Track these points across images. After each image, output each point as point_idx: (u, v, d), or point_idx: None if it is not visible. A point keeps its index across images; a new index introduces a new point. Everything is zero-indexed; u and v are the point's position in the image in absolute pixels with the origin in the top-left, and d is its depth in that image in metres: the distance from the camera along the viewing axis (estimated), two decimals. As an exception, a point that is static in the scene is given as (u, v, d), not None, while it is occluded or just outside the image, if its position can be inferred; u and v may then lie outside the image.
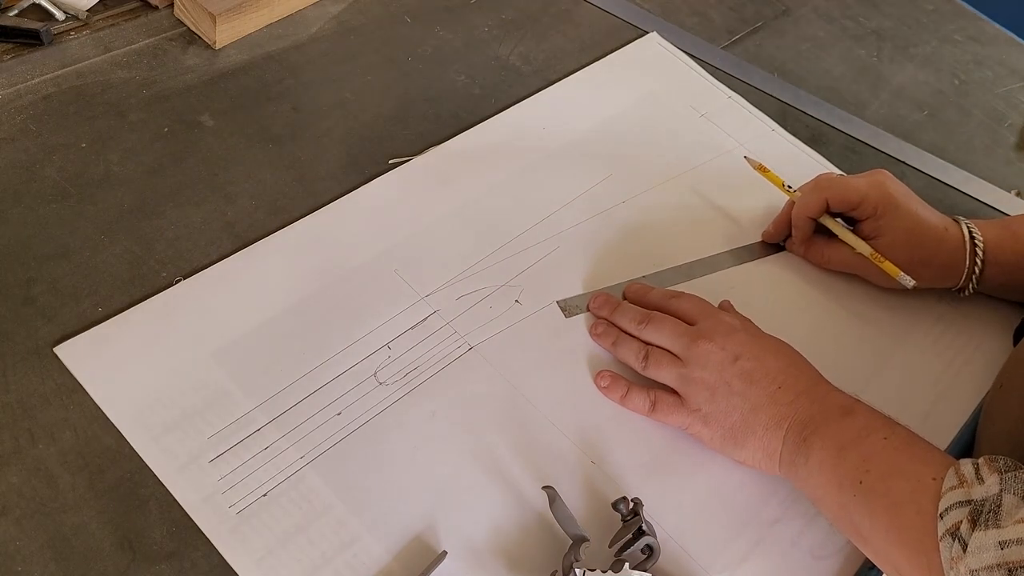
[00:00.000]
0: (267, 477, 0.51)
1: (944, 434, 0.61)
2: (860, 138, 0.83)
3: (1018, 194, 0.83)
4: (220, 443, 0.51)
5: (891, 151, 0.83)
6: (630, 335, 0.60)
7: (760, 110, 0.82)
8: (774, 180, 0.70)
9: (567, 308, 0.62)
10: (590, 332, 0.61)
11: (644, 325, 0.59)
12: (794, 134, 0.81)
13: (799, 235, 0.68)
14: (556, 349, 0.60)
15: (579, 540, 0.48)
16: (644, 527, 0.50)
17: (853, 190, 0.65)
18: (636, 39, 0.85)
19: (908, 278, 0.64)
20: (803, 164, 0.78)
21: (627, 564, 0.48)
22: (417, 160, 0.69)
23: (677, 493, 0.55)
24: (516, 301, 0.62)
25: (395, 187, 0.67)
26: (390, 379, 0.56)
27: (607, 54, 0.83)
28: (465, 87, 0.76)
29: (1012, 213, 0.80)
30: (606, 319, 0.61)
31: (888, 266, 0.64)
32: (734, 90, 0.83)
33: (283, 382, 0.54)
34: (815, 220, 0.67)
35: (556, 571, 0.48)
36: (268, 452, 0.51)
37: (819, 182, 0.67)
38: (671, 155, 0.75)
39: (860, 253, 0.65)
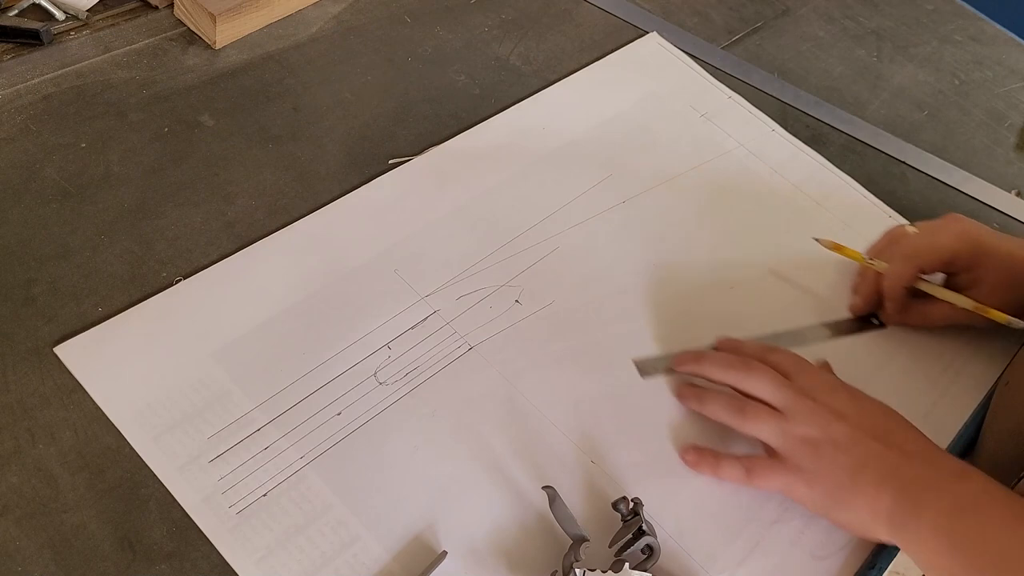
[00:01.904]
0: (267, 477, 0.51)
1: (945, 434, 0.61)
2: (860, 138, 0.83)
3: (1018, 194, 0.83)
4: (220, 443, 0.51)
5: (891, 151, 0.83)
6: (718, 387, 0.57)
7: (760, 110, 0.82)
8: (853, 256, 0.67)
9: (643, 368, 0.60)
10: (675, 394, 0.59)
11: (743, 373, 0.55)
12: (794, 134, 0.80)
13: (895, 306, 0.65)
14: (556, 349, 0.60)
15: (579, 540, 0.48)
16: (644, 527, 0.50)
17: (943, 250, 0.62)
18: (636, 39, 0.85)
19: (1018, 322, 0.62)
20: (803, 164, 0.78)
21: (627, 564, 0.48)
22: (417, 160, 0.69)
23: (677, 493, 0.55)
24: (516, 301, 0.62)
25: (395, 187, 0.67)
26: (390, 379, 0.56)
27: (607, 54, 0.83)
28: (465, 87, 0.76)
29: (1012, 213, 0.80)
30: (692, 372, 0.58)
31: (995, 314, 0.62)
32: (734, 90, 0.83)
33: (283, 382, 0.54)
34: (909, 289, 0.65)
35: (556, 571, 0.48)
36: (268, 452, 0.51)
37: (904, 251, 0.64)
38: (671, 155, 0.75)
39: (963, 307, 0.63)
